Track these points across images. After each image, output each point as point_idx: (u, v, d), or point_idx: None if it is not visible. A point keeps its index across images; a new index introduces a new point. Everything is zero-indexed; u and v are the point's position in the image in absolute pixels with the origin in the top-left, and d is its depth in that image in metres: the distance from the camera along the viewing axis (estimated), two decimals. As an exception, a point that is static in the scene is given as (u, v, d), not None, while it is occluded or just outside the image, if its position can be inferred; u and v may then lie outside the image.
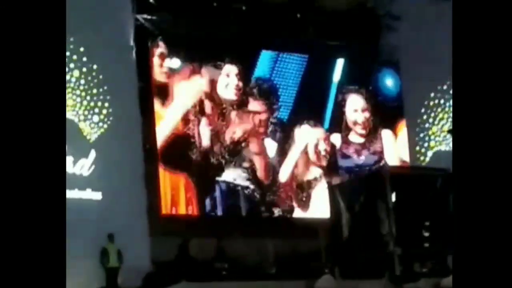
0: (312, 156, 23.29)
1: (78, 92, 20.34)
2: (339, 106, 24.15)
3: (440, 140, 25.40)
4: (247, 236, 21.46)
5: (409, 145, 25.44)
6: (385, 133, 24.70)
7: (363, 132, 24.37)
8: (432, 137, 25.78)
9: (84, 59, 20.41)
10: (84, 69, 20.43)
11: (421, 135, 25.86)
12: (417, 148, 25.73)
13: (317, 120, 23.54)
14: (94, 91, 20.51)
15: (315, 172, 23.22)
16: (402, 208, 19.79)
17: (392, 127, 24.83)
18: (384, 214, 19.78)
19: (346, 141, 24.04)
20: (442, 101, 25.34)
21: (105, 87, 20.62)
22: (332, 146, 23.69)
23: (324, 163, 23.36)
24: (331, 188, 22.22)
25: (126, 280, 19.13)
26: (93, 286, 18.77)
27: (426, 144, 25.83)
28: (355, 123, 24.32)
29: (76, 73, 20.30)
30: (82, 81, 20.38)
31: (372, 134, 24.41)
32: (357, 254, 20.25)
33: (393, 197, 19.86)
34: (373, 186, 20.45)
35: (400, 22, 24.80)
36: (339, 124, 24.00)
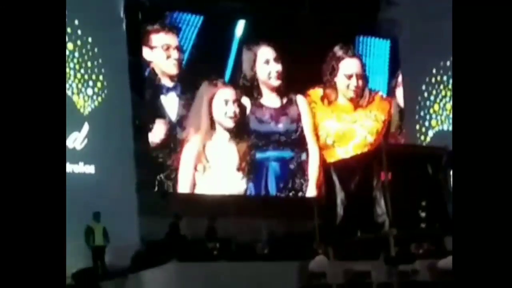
0: (220, 117, 22.52)
1: (72, 65, 20.45)
2: (248, 63, 23.18)
3: (443, 118, 25.12)
4: (239, 215, 21.55)
5: (409, 123, 25.46)
6: (300, 99, 23.95)
7: (278, 82, 23.40)
8: (434, 115, 25.67)
9: (79, 32, 20.61)
10: (79, 42, 20.61)
11: (422, 113, 25.78)
12: (417, 127, 25.68)
13: (218, 78, 22.66)
14: (89, 64, 20.68)
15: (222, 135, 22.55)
16: (398, 187, 19.47)
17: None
18: (379, 194, 19.47)
19: (259, 105, 23.28)
20: (444, 78, 25.11)
21: (100, 60, 20.79)
22: (242, 107, 22.95)
23: (230, 125, 22.61)
24: (326, 167, 21.93)
25: (114, 259, 19.21)
26: (79, 266, 18.62)
27: (427, 123, 25.80)
28: (268, 75, 23.42)
29: (70, 46, 20.40)
30: (76, 54, 20.57)
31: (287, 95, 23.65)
32: (352, 235, 19.99)
33: (390, 176, 19.54)
34: (369, 165, 20.10)
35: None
36: (248, 83, 23.17)
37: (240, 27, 23.16)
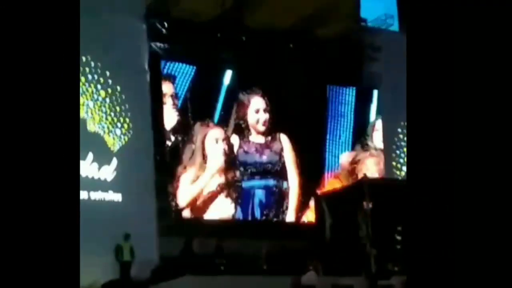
0: (212, 153, 24.47)
1: (103, 109, 22.48)
2: (240, 108, 25.28)
3: (414, 157, 27.13)
4: (242, 237, 23.32)
5: (386, 160, 27.16)
6: (283, 137, 25.83)
7: (263, 128, 25.39)
8: (407, 154, 27.48)
9: (110, 81, 22.60)
10: (109, 90, 22.61)
11: (398, 151, 27.56)
12: (393, 163, 27.47)
13: (209, 120, 24.68)
14: (117, 108, 22.74)
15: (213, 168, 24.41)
16: (378, 214, 21.12)
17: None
18: (362, 220, 21.20)
19: (247, 141, 25.21)
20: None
21: (127, 105, 22.89)
22: (230, 144, 24.90)
23: (220, 159, 24.56)
24: (317, 197, 23.90)
25: (138, 273, 21.05)
26: (110, 277, 20.71)
27: (401, 160, 27.47)
28: (257, 121, 25.40)
29: (102, 93, 22.52)
30: (108, 100, 22.58)
31: (271, 133, 25.51)
32: (338, 254, 21.57)
33: (370, 205, 21.29)
34: (353, 195, 22.00)
35: (381, 52, 26.68)
36: (239, 126, 25.12)
37: (227, 76, 25.41)
